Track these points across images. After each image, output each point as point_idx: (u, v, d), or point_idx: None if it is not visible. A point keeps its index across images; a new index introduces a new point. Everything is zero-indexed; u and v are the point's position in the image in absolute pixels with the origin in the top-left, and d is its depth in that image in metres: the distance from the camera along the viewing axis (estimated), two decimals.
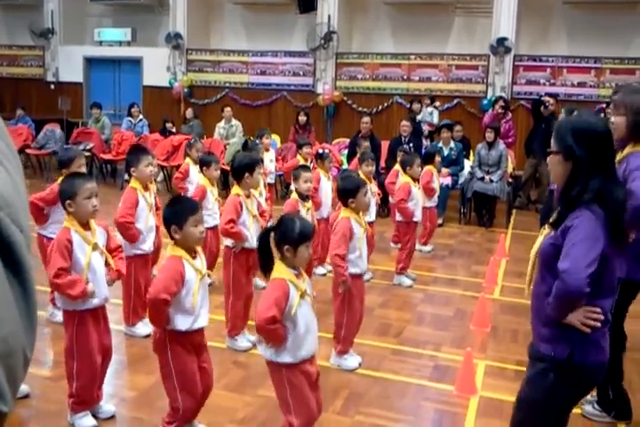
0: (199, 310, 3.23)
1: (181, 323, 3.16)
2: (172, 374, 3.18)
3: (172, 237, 3.21)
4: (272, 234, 3.03)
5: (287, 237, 2.98)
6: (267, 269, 3.06)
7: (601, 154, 2.48)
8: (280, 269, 3.01)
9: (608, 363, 3.49)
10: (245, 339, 4.58)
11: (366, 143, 8.42)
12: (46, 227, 4.77)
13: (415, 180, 6.48)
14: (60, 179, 4.77)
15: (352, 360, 4.38)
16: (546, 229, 2.63)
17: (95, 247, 3.43)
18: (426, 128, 10.29)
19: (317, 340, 3.17)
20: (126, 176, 4.93)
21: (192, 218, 3.16)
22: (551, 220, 2.59)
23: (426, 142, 9.93)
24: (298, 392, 3.03)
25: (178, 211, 3.20)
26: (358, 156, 6.83)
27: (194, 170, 6.40)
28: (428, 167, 7.17)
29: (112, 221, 4.57)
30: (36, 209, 4.61)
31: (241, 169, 4.60)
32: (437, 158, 7.47)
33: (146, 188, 4.68)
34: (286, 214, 3.29)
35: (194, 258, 3.23)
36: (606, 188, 2.42)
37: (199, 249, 3.32)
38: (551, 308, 2.48)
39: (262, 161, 5.90)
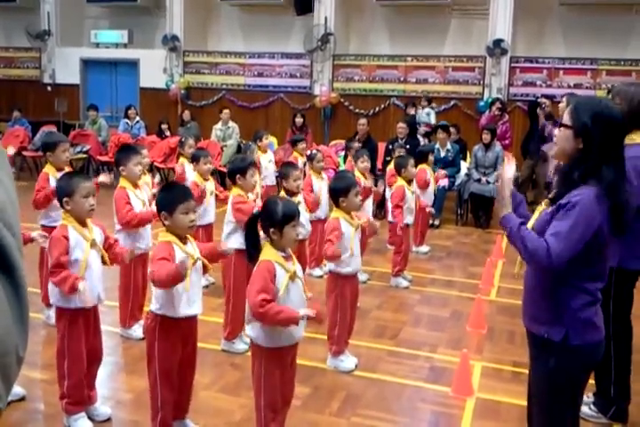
0: (192, 296, 3.23)
1: (173, 309, 3.17)
2: (154, 359, 3.20)
3: (163, 224, 3.23)
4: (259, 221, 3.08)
5: (272, 219, 3.02)
6: (252, 256, 3.07)
7: (614, 140, 2.47)
8: (268, 252, 3.03)
9: (614, 362, 3.51)
10: (242, 342, 4.58)
11: (356, 144, 8.44)
12: (47, 215, 4.80)
13: (409, 182, 6.48)
14: (48, 166, 4.86)
15: (348, 362, 4.38)
16: (542, 206, 2.61)
17: (93, 244, 3.43)
18: (423, 129, 10.29)
19: (304, 327, 3.17)
20: None
21: (182, 206, 3.18)
22: (550, 196, 2.58)
23: (423, 141, 9.92)
24: (269, 376, 3.07)
25: (168, 198, 3.24)
26: (351, 155, 6.82)
27: (189, 168, 6.42)
28: (422, 166, 7.17)
29: (111, 224, 4.57)
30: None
31: (233, 172, 4.63)
32: (430, 157, 7.47)
33: (135, 185, 4.68)
34: (269, 198, 3.29)
35: (184, 244, 3.24)
36: (617, 180, 2.41)
37: (190, 237, 3.32)
38: (516, 246, 2.47)
39: (258, 163, 5.90)
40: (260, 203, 4.91)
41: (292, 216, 3.04)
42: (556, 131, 2.59)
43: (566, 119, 2.53)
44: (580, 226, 2.37)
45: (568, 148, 2.51)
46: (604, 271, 2.54)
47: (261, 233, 3.13)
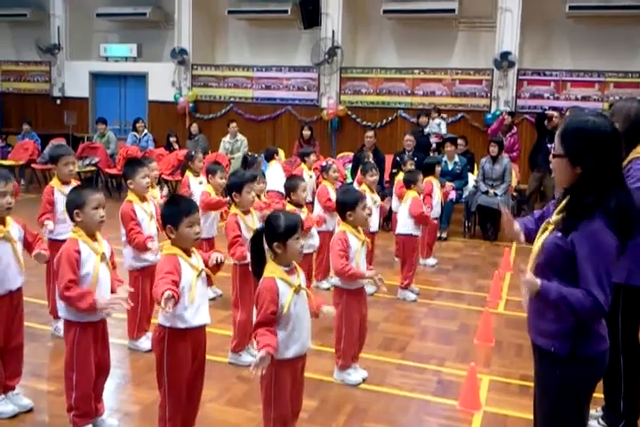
0: (199, 307, 3.23)
1: (180, 320, 3.17)
2: (164, 372, 3.19)
3: (168, 237, 3.24)
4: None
5: (275, 233, 3.02)
6: (258, 272, 3.07)
7: (612, 159, 2.42)
8: (270, 269, 3.04)
9: (624, 376, 3.48)
10: (249, 354, 4.57)
11: (370, 155, 8.45)
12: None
13: (420, 195, 6.51)
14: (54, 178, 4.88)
15: (355, 375, 4.35)
16: (551, 225, 2.56)
17: (103, 258, 3.43)
18: (434, 140, 10.30)
19: (310, 336, 3.19)
20: None
21: (187, 219, 3.18)
22: (554, 219, 2.53)
23: (433, 154, 9.95)
24: (280, 389, 3.07)
25: (173, 211, 3.23)
26: (360, 167, 6.82)
27: (194, 182, 6.45)
28: (428, 179, 7.18)
29: (117, 235, 4.60)
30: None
31: (230, 188, 4.65)
32: (437, 169, 7.47)
33: (143, 198, 4.71)
34: (271, 213, 3.29)
35: (189, 256, 3.24)
36: (620, 200, 2.38)
37: (194, 249, 3.32)
38: (563, 309, 2.41)
39: (262, 176, 5.92)
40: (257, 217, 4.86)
41: (294, 229, 3.04)
42: (553, 162, 2.55)
43: (557, 147, 2.48)
44: (606, 263, 2.37)
45: (567, 176, 2.47)
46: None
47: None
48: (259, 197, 5.27)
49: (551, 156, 2.56)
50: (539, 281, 2.42)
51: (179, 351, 3.20)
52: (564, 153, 2.45)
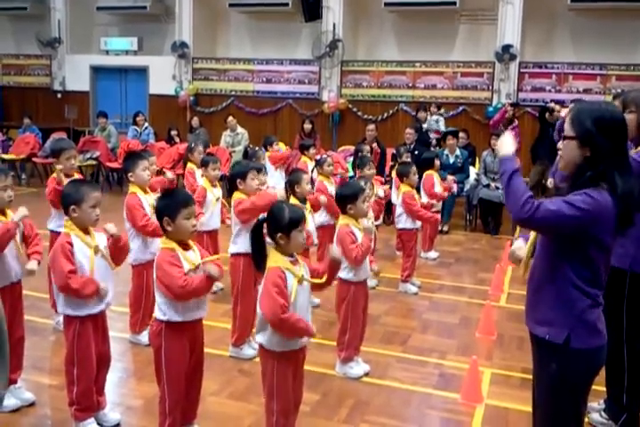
0: (196, 301, 3.23)
1: (179, 313, 3.17)
2: (162, 365, 3.19)
3: (164, 230, 3.22)
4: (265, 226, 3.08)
5: (278, 224, 3.03)
6: (259, 262, 3.07)
7: (621, 143, 2.46)
8: (275, 258, 3.04)
9: (627, 369, 3.47)
10: (250, 347, 4.57)
11: (367, 147, 8.43)
12: (56, 220, 4.82)
13: (413, 188, 6.47)
14: (57, 172, 4.86)
15: (357, 369, 4.36)
16: None
17: (97, 250, 3.42)
18: (433, 136, 10.27)
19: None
20: None
21: (184, 211, 3.18)
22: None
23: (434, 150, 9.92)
24: (282, 381, 3.07)
25: (170, 203, 3.21)
26: (357, 161, 6.79)
27: (198, 174, 6.44)
28: (429, 172, 7.15)
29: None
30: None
31: (233, 177, 4.66)
32: (436, 163, 7.43)
33: (145, 191, 4.71)
34: (275, 203, 3.28)
35: (186, 250, 3.23)
36: (626, 182, 2.39)
37: (191, 242, 3.31)
38: (503, 186, 2.51)
39: (264, 168, 5.88)
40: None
41: (298, 221, 3.05)
42: (560, 144, 2.56)
43: (568, 130, 2.50)
44: (580, 209, 2.33)
45: (575, 158, 2.48)
46: (602, 279, 2.50)
47: (267, 239, 3.12)
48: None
49: (561, 140, 2.56)
50: (511, 149, 2.57)
51: (177, 344, 3.20)
52: (574, 135, 2.47)
